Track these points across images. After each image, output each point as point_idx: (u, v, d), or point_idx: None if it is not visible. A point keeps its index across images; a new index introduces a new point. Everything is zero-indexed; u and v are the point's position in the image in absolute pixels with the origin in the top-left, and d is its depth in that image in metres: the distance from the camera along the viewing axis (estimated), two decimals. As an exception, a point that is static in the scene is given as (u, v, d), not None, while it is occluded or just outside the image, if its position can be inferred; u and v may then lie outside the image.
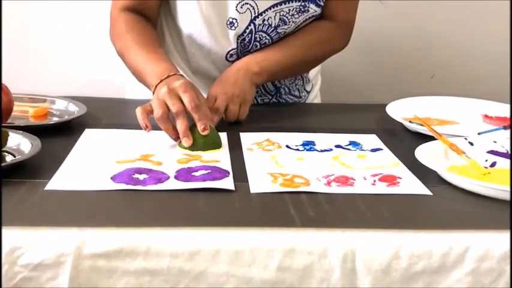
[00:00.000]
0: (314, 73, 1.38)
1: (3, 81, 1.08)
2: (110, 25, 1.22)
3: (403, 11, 1.77)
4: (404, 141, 1.09)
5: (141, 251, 0.72)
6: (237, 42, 1.22)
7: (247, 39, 1.21)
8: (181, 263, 0.72)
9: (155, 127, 1.02)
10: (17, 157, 0.91)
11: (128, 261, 0.72)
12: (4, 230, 0.72)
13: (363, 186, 0.88)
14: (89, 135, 1.05)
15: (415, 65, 1.82)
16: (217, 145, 1.02)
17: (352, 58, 1.68)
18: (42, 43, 1.74)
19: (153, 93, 1.07)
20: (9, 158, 0.92)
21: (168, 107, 1.01)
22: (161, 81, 1.05)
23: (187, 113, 1.02)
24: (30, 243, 0.71)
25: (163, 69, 1.08)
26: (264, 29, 1.21)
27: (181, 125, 1.01)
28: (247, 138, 1.07)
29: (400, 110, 1.17)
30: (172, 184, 0.86)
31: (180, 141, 1.01)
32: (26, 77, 1.56)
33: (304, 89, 1.36)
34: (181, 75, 1.08)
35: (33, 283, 0.71)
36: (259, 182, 0.88)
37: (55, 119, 1.12)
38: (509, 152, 0.98)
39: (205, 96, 1.14)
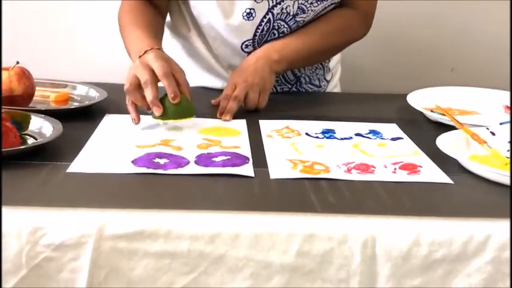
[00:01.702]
0: (334, 62, 1.38)
1: (26, 66, 1.09)
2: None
3: (424, 1, 1.75)
4: (424, 130, 1.08)
5: (162, 233, 0.72)
6: (254, 33, 1.21)
7: (265, 29, 1.21)
8: (201, 246, 0.73)
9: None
10: (38, 140, 0.92)
11: (148, 243, 0.72)
12: (26, 210, 0.73)
13: (383, 174, 0.88)
14: (109, 120, 1.05)
15: (436, 57, 1.81)
16: (189, 114, 1.00)
17: (372, 48, 1.67)
18: (64, 29, 1.75)
19: None
20: (30, 141, 0.93)
21: (138, 79, 0.99)
22: (139, 57, 1.04)
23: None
24: (52, 224, 0.72)
25: (144, 45, 1.06)
26: (283, 17, 1.21)
27: (148, 94, 0.99)
28: (267, 126, 1.07)
29: (420, 100, 1.16)
30: (193, 169, 0.87)
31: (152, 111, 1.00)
32: (47, 62, 1.56)
33: (324, 79, 1.36)
34: (158, 49, 1.05)
35: (54, 263, 0.72)
36: (279, 168, 0.88)
37: (76, 104, 1.13)
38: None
39: (223, 84, 1.14)
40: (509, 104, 1.18)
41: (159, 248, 0.72)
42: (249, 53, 1.22)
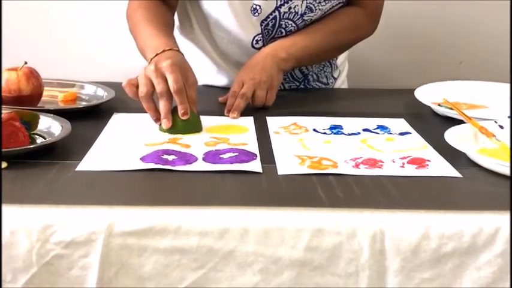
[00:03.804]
0: (341, 59, 1.38)
1: (34, 66, 1.10)
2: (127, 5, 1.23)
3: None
4: (432, 125, 1.08)
5: (171, 229, 0.73)
6: (261, 28, 1.22)
7: (270, 25, 1.21)
8: (210, 242, 0.73)
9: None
10: (47, 139, 0.93)
11: (157, 239, 0.73)
12: (36, 208, 0.74)
13: (391, 169, 0.88)
14: (117, 119, 1.06)
15: (443, 51, 1.80)
16: (197, 129, 1.01)
17: (379, 44, 1.66)
18: (72, 29, 1.75)
19: None
20: (40, 141, 0.93)
21: (153, 86, 1.00)
22: (156, 55, 1.04)
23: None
24: (62, 221, 0.72)
25: (161, 43, 1.07)
26: (290, 16, 1.21)
27: (163, 106, 1.00)
28: (274, 122, 1.07)
29: (428, 95, 1.16)
30: (201, 166, 0.87)
31: (161, 124, 1.00)
32: (55, 63, 1.57)
33: (332, 76, 1.36)
34: (177, 50, 1.07)
35: (65, 260, 0.72)
36: (287, 164, 0.88)
37: (84, 104, 1.13)
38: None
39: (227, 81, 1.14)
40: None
41: (169, 244, 0.73)
42: (259, 49, 1.22)
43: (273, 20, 1.21)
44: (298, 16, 1.21)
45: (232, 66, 1.29)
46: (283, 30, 1.23)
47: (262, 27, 1.22)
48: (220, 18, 1.23)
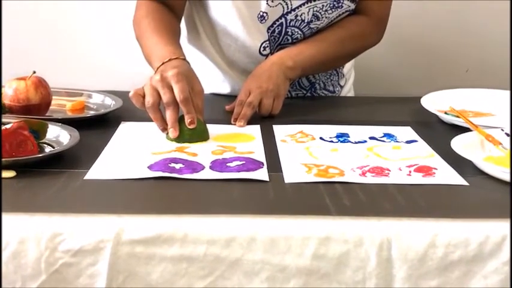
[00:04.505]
0: (348, 67, 1.38)
1: (42, 75, 1.10)
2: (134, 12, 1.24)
3: (438, 3, 1.75)
4: (439, 133, 1.08)
5: (178, 237, 0.73)
6: (268, 34, 1.23)
7: (276, 31, 1.22)
8: (217, 250, 0.73)
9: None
10: (56, 148, 0.93)
11: (165, 247, 0.73)
12: (45, 217, 0.74)
13: (398, 177, 0.88)
14: (125, 127, 1.07)
15: (449, 59, 1.80)
16: (204, 138, 1.02)
17: (385, 52, 1.67)
18: (80, 38, 1.77)
19: None
20: (48, 149, 0.94)
21: (159, 96, 1.01)
22: (162, 64, 1.05)
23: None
24: (71, 230, 0.73)
25: (167, 52, 1.08)
26: (297, 24, 1.22)
27: (170, 116, 1.00)
28: (281, 130, 1.07)
29: (435, 103, 1.16)
30: (208, 174, 0.87)
31: (168, 133, 1.01)
32: (63, 72, 1.58)
33: (339, 84, 1.36)
34: (183, 59, 1.07)
35: (73, 268, 0.73)
36: (294, 172, 0.88)
37: (92, 113, 1.14)
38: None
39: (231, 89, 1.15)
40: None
41: (176, 252, 0.73)
42: (266, 55, 1.23)
43: (279, 27, 1.21)
44: (305, 24, 1.22)
45: (239, 74, 1.30)
46: (289, 38, 1.23)
47: (269, 33, 1.22)
48: (228, 25, 1.24)
